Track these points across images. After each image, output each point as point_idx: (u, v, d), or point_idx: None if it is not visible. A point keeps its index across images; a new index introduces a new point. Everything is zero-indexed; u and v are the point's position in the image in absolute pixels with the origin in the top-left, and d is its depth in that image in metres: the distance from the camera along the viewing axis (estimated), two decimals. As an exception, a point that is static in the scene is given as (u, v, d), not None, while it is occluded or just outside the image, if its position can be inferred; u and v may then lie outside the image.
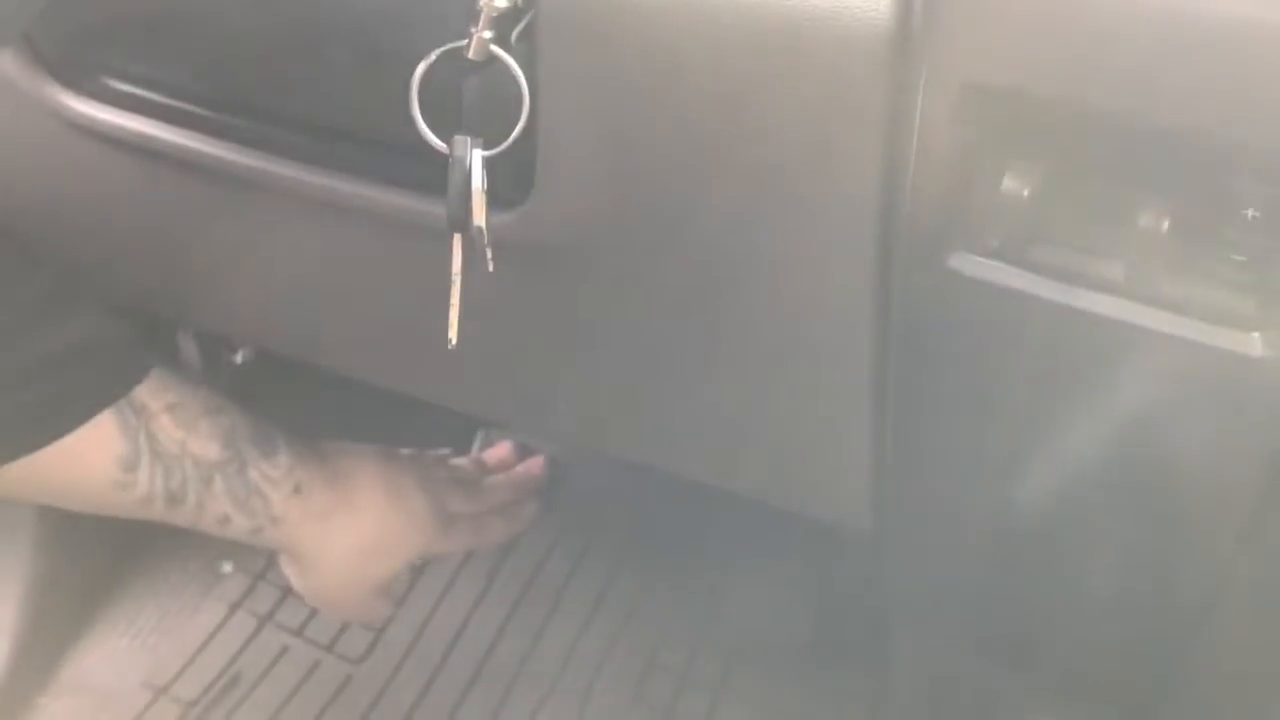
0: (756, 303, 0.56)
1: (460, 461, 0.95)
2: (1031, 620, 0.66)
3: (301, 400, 0.91)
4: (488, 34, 0.46)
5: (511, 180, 0.52)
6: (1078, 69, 0.43)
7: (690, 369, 0.62)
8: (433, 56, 0.46)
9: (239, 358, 0.92)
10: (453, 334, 0.51)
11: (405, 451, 0.85)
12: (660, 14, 0.47)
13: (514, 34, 0.49)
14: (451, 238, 0.49)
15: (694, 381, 0.62)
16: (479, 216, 0.48)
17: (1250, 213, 0.43)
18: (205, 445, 0.67)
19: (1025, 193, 0.46)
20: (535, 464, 0.98)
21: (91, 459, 0.64)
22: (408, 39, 0.48)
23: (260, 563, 1.02)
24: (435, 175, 0.53)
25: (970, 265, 0.48)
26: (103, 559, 1.01)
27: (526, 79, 0.48)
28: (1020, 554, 0.61)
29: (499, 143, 0.50)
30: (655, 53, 0.48)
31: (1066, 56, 0.43)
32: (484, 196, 0.48)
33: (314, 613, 0.99)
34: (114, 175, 0.67)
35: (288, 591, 1.01)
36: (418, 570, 1.02)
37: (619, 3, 0.47)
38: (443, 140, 0.49)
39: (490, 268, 0.50)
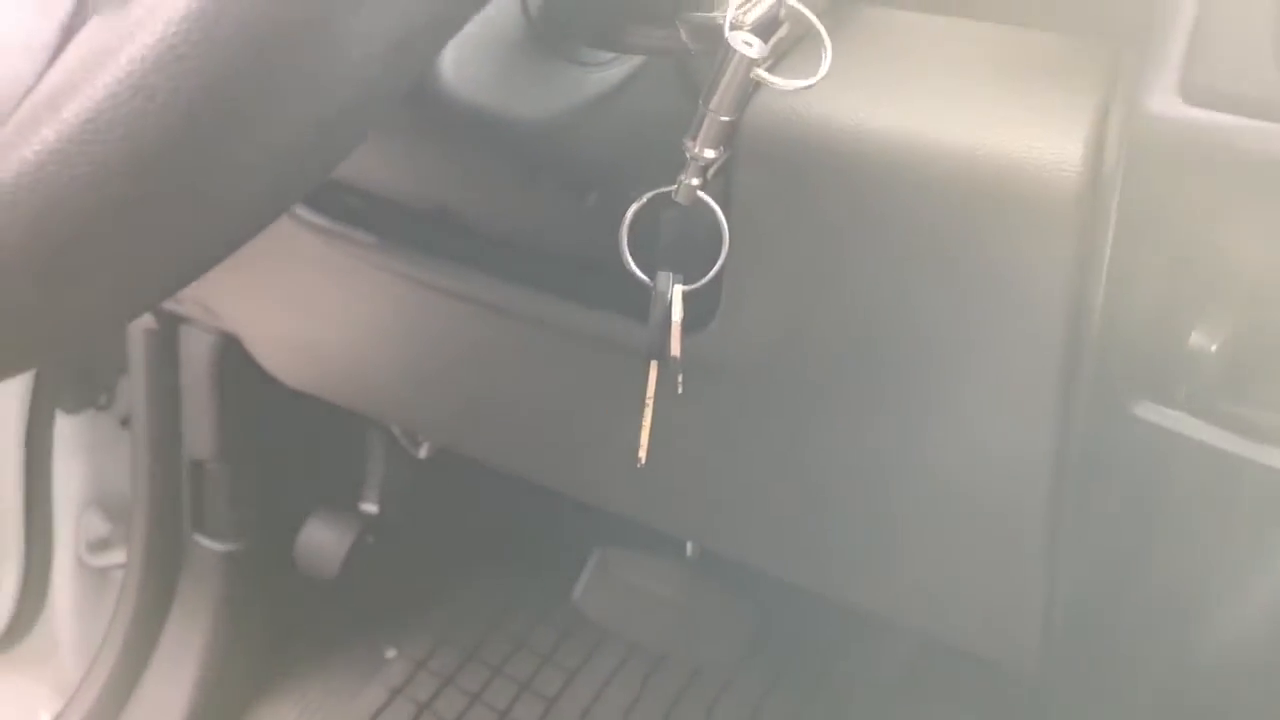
0: (933, 439, 0.57)
1: None
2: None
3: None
4: (695, 181, 0.49)
5: (693, 305, 0.55)
6: (1274, 227, 0.43)
7: (859, 499, 0.63)
8: (644, 199, 0.50)
9: (422, 453, 0.97)
10: (642, 453, 0.53)
11: None
12: (850, 161, 0.49)
13: (709, 173, 0.52)
14: (648, 365, 0.52)
15: (862, 512, 0.63)
16: (675, 347, 0.51)
17: None
18: None
19: (1213, 347, 0.46)
20: None
21: None
22: (618, 181, 0.52)
23: (423, 650, 1.06)
24: (616, 293, 0.56)
25: (1156, 415, 0.48)
26: (273, 640, 1.06)
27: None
28: (1192, 711, 0.59)
29: (690, 273, 0.53)
30: (844, 196, 0.50)
31: (1263, 214, 0.43)
32: (679, 328, 0.51)
33: (471, 704, 1.02)
34: (326, 281, 0.73)
35: (448, 680, 1.04)
36: (590, 648, 1.04)
37: (812, 149, 0.50)
38: (643, 272, 0.53)
39: (679, 391, 0.53)
